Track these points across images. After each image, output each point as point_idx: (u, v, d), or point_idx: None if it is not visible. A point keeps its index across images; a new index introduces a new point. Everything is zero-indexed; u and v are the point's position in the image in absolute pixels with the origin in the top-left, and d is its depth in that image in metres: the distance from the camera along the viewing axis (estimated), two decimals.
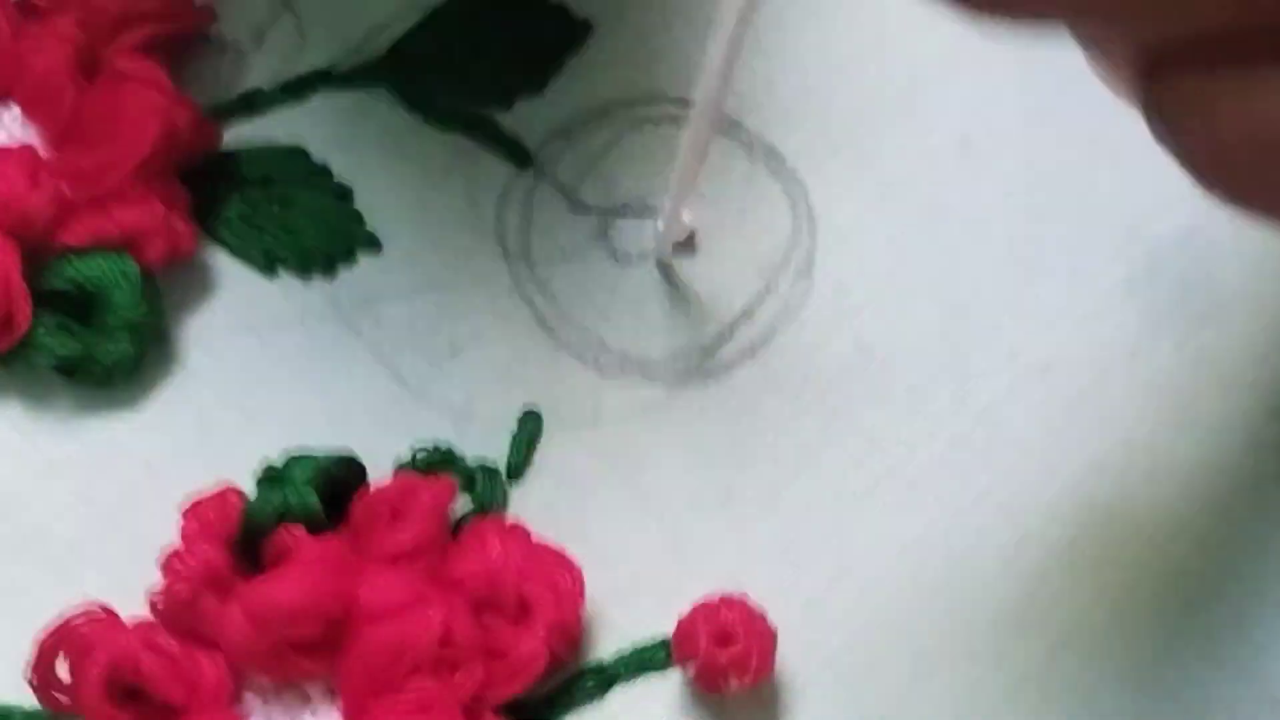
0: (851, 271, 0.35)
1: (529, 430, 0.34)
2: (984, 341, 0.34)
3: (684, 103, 0.36)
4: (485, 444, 0.34)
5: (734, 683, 0.31)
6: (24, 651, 0.31)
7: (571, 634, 0.32)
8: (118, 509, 0.34)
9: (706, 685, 0.31)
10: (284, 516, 0.32)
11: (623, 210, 0.36)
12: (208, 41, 0.37)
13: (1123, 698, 0.32)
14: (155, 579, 0.32)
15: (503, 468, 0.34)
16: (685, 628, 0.32)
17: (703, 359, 0.35)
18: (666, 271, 0.35)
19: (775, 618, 0.32)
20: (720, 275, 0.35)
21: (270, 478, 0.33)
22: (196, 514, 0.32)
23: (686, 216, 0.34)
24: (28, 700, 0.32)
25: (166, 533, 0.32)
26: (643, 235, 0.35)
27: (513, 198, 0.36)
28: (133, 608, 0.32)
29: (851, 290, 0.35)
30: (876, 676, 0.32)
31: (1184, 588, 0.32)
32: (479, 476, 0.34)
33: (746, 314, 0.35)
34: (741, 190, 0.36)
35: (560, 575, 0.32)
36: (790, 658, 0.32)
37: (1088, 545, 0.33)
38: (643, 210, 0.35)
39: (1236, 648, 0.32)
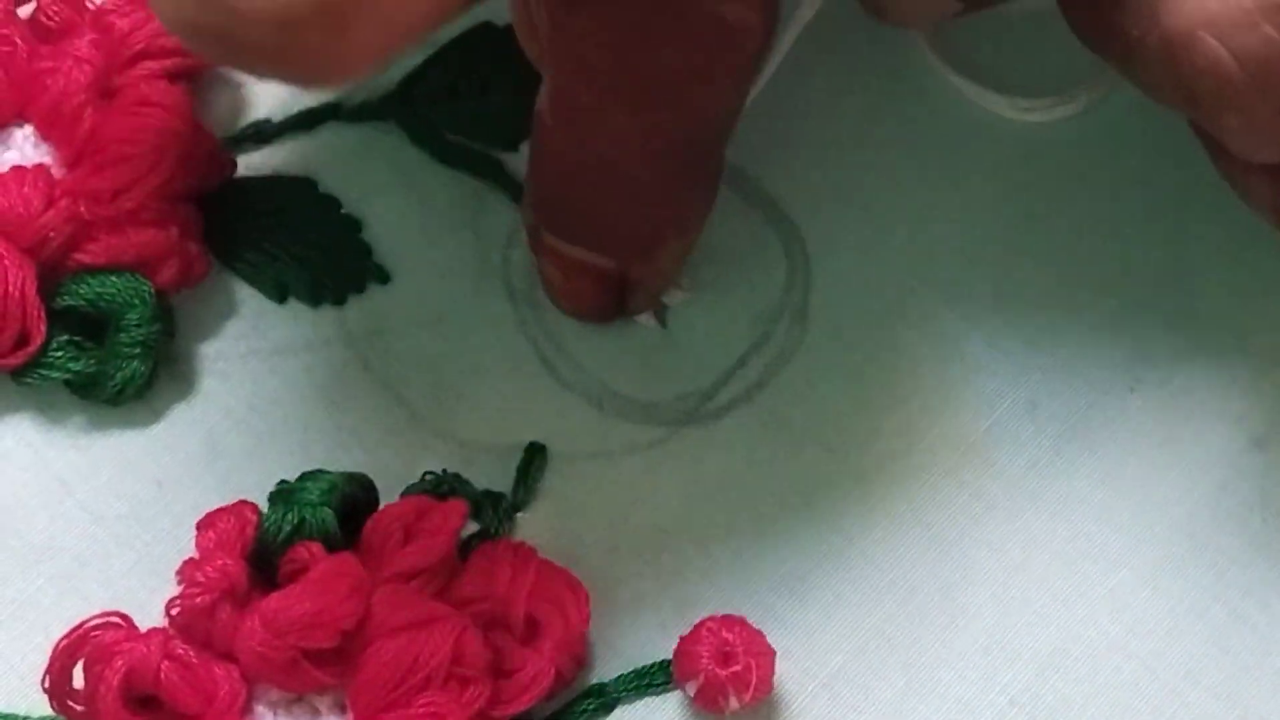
0: (846, 315, 0.36)
1: (533, 462, 0.35)
2: (979, 369, 0.35)
3: None
4: (490, 477, 0.35)
5: (734, 701, 0.32)
6: (32, 664, 0.32)
7: (578, 653, 0.33)
8: (127, 526, 0.34)
9: (707, 703, 0.32)
10: (300, 533, 0.32)
11: None
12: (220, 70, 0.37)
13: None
14: (162, 597, 0.32)
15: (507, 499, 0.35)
16: (687, 645, 0.32)
17: (701, 402, 0.36)
18: (662, 317, 0.36)
19: (773, 643, 0.32)
20: (718, 322, 0.36)
21: (286, 495, 0.33)
22: (214, 526, 0.32)
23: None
24: (37, 710, 0.32)
25: (175, 552, 0.33)
26: None
27: (519, 239, 0.36)
28: (139, 625, 0.32)
29: (845, 334, 0.36)
30: (872, 699, 0.33)
31: (1168, 611, 0.33)
32: (485, 504, 0.34)
33: (743, 360, 0.36)
34: (738, 238, 0.37)
35: (568, 595, 0.33)
36: (788, 682, 0.33)
37: (1073, 576, 0.34)
38: None
39: (1217, 671, 0.33)
